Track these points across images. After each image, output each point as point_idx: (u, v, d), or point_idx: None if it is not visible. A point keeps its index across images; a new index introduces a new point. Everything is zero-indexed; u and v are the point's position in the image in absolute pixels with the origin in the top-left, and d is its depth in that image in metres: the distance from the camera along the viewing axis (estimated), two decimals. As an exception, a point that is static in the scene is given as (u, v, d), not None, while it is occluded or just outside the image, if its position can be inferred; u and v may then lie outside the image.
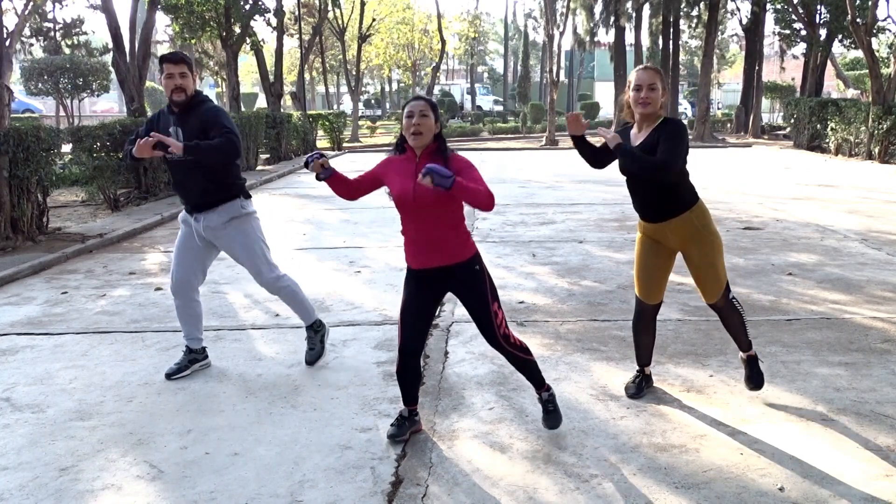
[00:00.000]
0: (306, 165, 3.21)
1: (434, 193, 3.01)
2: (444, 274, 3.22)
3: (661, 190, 3.47)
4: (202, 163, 3.87)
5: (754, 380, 3.71)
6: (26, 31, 22.86)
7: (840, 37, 24.02)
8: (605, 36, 32.81)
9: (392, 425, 3.37)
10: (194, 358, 4.24)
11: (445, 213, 3.16)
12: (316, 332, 4.37)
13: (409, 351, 3.27)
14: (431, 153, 3.15)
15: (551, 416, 3.38)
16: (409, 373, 3.32)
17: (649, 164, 3.35)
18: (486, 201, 2.99)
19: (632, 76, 3.47)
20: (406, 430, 3.36)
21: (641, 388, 3.83)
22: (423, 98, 3.19)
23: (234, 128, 3.93)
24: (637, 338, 3.82)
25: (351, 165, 18.70)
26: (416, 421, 3.44)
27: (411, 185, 3.13)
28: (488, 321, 3.23)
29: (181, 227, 4.16)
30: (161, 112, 4.10)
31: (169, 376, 4.12)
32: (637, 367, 3.90)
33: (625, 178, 3.60)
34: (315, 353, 4.34)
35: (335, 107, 43.97)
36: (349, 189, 3.38)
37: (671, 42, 30.14)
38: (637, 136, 3.50)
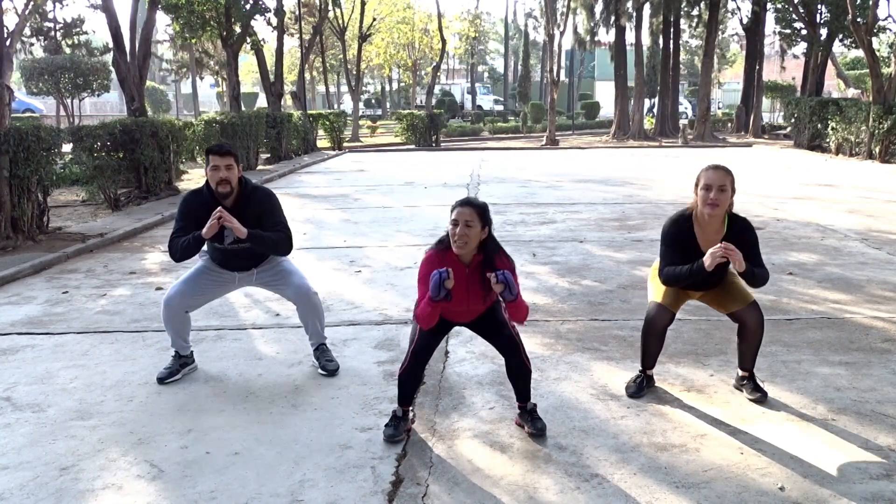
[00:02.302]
0: (440, 285, 3.02)
1: (486, 298, 3.26)
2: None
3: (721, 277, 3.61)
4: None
5: (761, 390, 3.74)
6: (27, 31, 22.87)
7: (840, 36, 24.04)
8: (606, 35, 32.85)
9: (388, 426, 3.38)
10: (184, 362, 4.22)
11: (488, 298, 3.33)
12: (321, 352, 4.29)
13: (422, 357, 3.32)
14: (479, 266, 3.19)
15: (539, 421, 3.43)
16: (415, 377, 3.37)
17: (764, 279, 3.48)
18: (524, 317, 3.21)
19: (701, 174, 3.47)
20: (402, 430, 3.38)
21: (642, 387, 3.83)
22: (470, 203, 3.11)
23: (286, 221, 4.10)
24: (647, 344, 3.78)
25: (353, 165, 18.71)
26: (410, 419, 3.47)
27: (465, 296, 3.19)
28: (503, 325, 3.35)
29: (205, 265, 4.15)
30: (199, 197, 3.96)
31: (161, 381, 4.09)
32: (640, 369, 3.89)
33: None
34: (334, 365, 4.23)
35: (335, 106, 43.97)
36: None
37: (671, 41, 30.15)
38: (707, 241, 3.49)
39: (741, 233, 3.53)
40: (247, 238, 3.86)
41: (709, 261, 3.37)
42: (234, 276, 4.19)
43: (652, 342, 3.77)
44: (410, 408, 3.48)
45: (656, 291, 3.74)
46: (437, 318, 3.21)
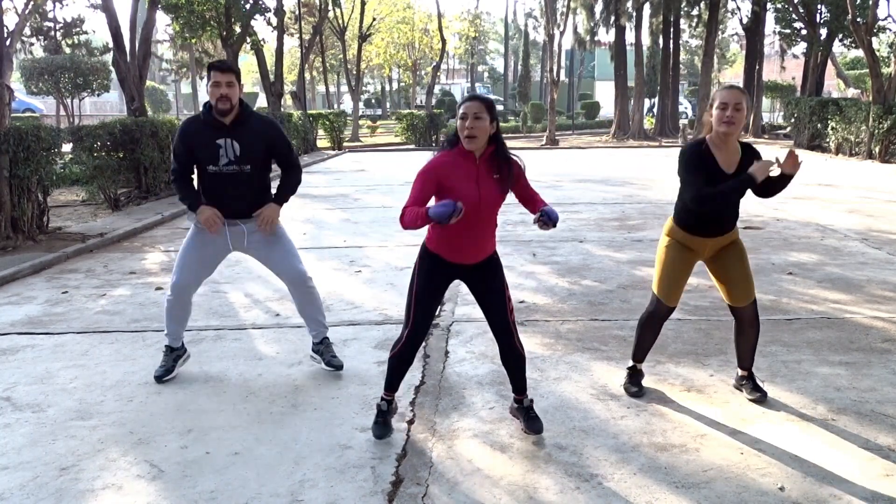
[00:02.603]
0: (448, 218, 2.88)
1: (499, 198, 3.16)
2: (472, 267, 3.27)
3: (736, 206, 3.55)
4: (254, 174, 3.93)
5: (761, 390, 3.74)
6: (27, 31, 22.87)
7: (840, 36, 24.03)
8: (606, 35, 32.85)
9: (376, 424, 3.37)
10: (177, 355, 4.20)
11: (496, 213, 3.24)
12: (326, 346, 4.24)
13: (418, 335, 3.27)
14: (490, 157, 3.14)
15: (536, 420, 3.38)
16: (408, 358, 3.33)
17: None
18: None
19: (716, 94, 3.43)
20: (390, 424, 3.39)
21: (640, 384, 3.86)
22: (478, 98, 3.09)
23: (294, 149, 4.15)
24: (643, 336, 3.80)
25: (353, 165, 18.71)
26: (394, 408, 3.46)
27: (476, 189, 3.09)
28: (503, 305, 3.27)
29: (197, 232, 4.02)
30: (195, 122, 3.91)
31: (159, 379, 4.08)
32: (630, 364, 3.90)
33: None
34: (339, 361, 4.19)
35: (335, 106, 43.96)
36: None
37: (671, 41, 30.16)
38: (727, 162, 3.43)
39: (756, 157, 3.48)
40: (281, 206, 3.99)
41: (760, 173, 3.28)
42: (226, 235, 3.98)
43: (647, 335, 3.79)
44: (395, 395, 3.44)
45: (657, 279, 3.70)
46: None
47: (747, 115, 3.40)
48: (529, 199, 3.33)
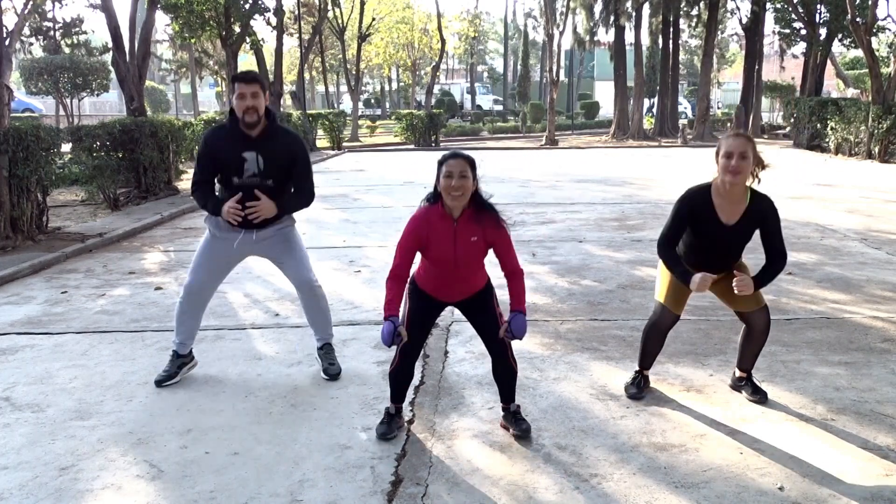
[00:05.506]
0: (389, 343, 3.10)
1: (477, 256, 3.18)
2: (461, 300, 3.34)
3: (739, 251, 3.57)
4: (276, 189, 3.90)
5: (761, 391, 3.73)
6: (26, 31, 22.86)
7: (840, 36, 24.08)
8: (605, 35, 32.86)
9: (382, 424, 3.40)
10: (182, 362, 4.15)
11: (479, 263, 3.25)
12: (326, 352, 4.22)
13: (410, 354, 3.31)
14: (469, 218, 3.13)
15: (523, 422, 3.39)
16: (406, 374, 3.37)
17: (778, 272, 3.51)
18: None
19: (721, 142, 3.37)
20: (395, 428, 3.40)
21: (641, 388, 3.83)
22: (462, 155, 3.10)
23: (312, 171, 4.09)
24: (648, 345, 3.78)
25: (352, 165, 18.71)
26: (402, 416, 3.50)
27: (452, 250, 3.12)
28: (497, 328, 3.28)
29: (211, 238, 4.02)
30: (221, 130, 3.86)
31: (159, 384, 4.04)
32: (637, 369, 3.89)
33: (693, 244, 3.51)
34: (336, 368, 4.17)
35: (335, 106, 43.95)
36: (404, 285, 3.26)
37: (671, 41, 30.21)
38: (728, 212, 3.39)
39: (763, 215, 3.44)
40: (280, 213, 3.88)
41: (695, 287, 3.36)
42: (237, 240, 3.95)
43: (652, 343, 3.77)
44: (403, 405, 3.49)
45: (662, 289, 3.69)
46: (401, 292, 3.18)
47: (754, 163, 3.32)
48: (507, 270, 3.25)
